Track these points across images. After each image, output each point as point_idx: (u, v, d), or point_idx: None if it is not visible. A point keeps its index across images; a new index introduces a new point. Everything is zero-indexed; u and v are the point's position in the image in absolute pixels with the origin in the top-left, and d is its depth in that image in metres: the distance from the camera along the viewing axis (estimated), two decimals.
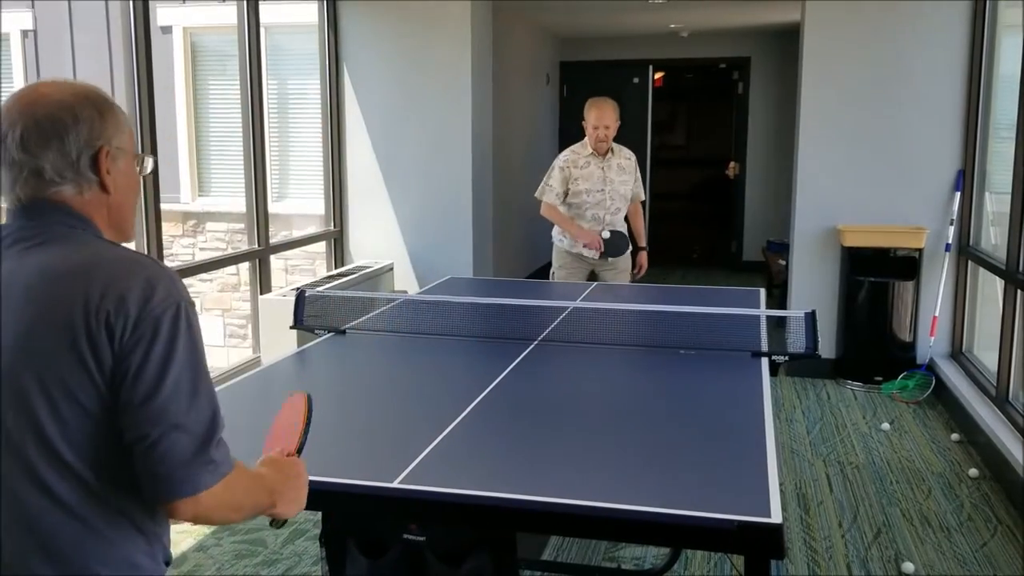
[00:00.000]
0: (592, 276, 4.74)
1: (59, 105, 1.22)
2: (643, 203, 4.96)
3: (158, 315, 1.16)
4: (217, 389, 2.65)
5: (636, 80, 9.35)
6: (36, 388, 1.14)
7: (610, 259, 4.63)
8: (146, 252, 3.95)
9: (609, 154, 4.63)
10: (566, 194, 4.60)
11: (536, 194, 4.70)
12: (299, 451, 1.49)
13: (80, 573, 1.17)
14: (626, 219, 4.80)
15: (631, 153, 4.77)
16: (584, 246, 4.58)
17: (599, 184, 4.59)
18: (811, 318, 2.88)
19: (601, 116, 4.53)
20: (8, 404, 1.14)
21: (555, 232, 4.77)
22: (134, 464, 1.17)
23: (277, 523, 1.45)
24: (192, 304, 1.22)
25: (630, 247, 4.76)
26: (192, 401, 1.19)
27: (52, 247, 1.20)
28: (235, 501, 1.26)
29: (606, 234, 4.58)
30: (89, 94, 1.26)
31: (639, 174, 4.82)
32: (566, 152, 4.68)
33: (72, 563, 1.17)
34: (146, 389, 1.15)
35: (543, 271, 4.83)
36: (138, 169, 1.33)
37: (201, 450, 1.19)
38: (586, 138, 4.61)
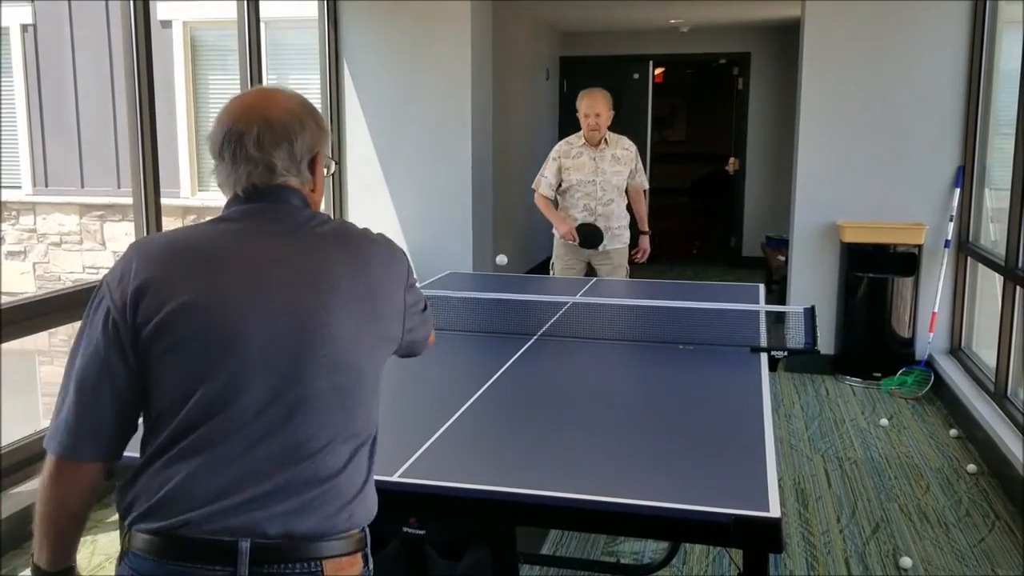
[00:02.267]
0: (589, 268, 4.77)
1: (289, 113, 1.40)
2: (645, 192, 4.99)
3: (413, 281, 1.54)
4: None
5: (636, 75, 9.35)
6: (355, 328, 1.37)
7: (587, 251, 4.66)
8: None
9: (604, 144, 4.65)
10: (559, 185, 4.65)
11: (533, 185, 4.75)
12: None
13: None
14: (629, 208, 4.83)
15: (631, 144, 4.78)
16: (562, 237, 4.66)
17: (590, 175, 4.62)
18: (810, 314, 2.89)
19: (592, 104, 4.57)
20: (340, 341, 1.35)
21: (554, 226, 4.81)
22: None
23: None
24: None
25: (624, 239, 4.77)
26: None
27: (329, 224, 1.45)
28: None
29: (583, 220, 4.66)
30: (310, 107, 1.46)
31: (640, 164, 4.84)
32: (561, 143, 4.74)
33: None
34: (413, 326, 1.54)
35: (543, 266, 4.85)
36: (325, 172, 1.51)
37: (430, 323, 1.68)
38: (581, 130, 4.65)
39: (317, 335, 1.30)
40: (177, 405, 1.29)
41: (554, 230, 4.80)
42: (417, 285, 1.55)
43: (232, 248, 1.34)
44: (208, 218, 1.43)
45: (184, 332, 1.28)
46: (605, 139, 4.65)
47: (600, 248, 4.68)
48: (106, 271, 1.37)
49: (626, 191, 4.81)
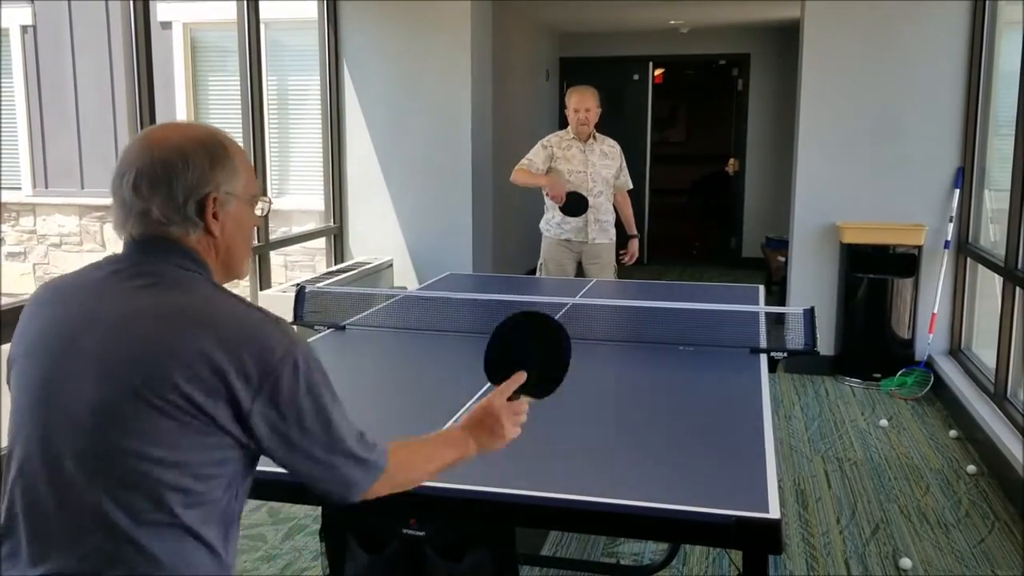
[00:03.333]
0: (579, 269, 4.78)
1: (174, 150, 1.26)
2: (632, 193, 5.01)
3: (279, 373, 1.22)
4: None
5: (636, 76, 9.35)
6: (132, 417, 1.18)
7: (568, 215, 4.58)
8: None
9: (592, 140, 4.70)
10: (548, 172, 4.63)
11: (515, 168, 4.67)
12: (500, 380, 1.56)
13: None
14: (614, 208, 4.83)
15: (615, 143, 4.83)
16: (547, 195, 4.59)
17: (580, 166, 4.66)
18: (810, 315, 2.89)
19: (582, 100, 4.62)
20: (100, 434, 1.19)
21: (542, 222, 4.83)
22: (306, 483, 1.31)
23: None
24: (307, 348, 1.27)
25: (610, 235, 4.76)
26: (328, 435, 1.28)
27: (171, 290, 1.25)
28: (411, 474, 1.45)
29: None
30: (204, 139, 1.29)
31: (625, 164, 4.87)
32: (551, 135, 4.76)
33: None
34: (286, 438, 1.25)
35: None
36: (257, 211, 1.38)
37: (350, 465, 1.31)
38: (569, 126, 4.68)
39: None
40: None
41: (545, 227, 4.78)
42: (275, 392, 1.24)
43: (75, 300, 1.28)
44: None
45: (14, 378, 1.30)
46: (593, 135, 4.70)
47: (589, 239, 4.67)
48: None
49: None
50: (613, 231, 4.82)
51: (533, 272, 5.07)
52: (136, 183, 1.24)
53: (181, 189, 1.25)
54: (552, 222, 4.76)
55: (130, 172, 1.25)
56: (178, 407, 1.17)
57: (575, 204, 4.57)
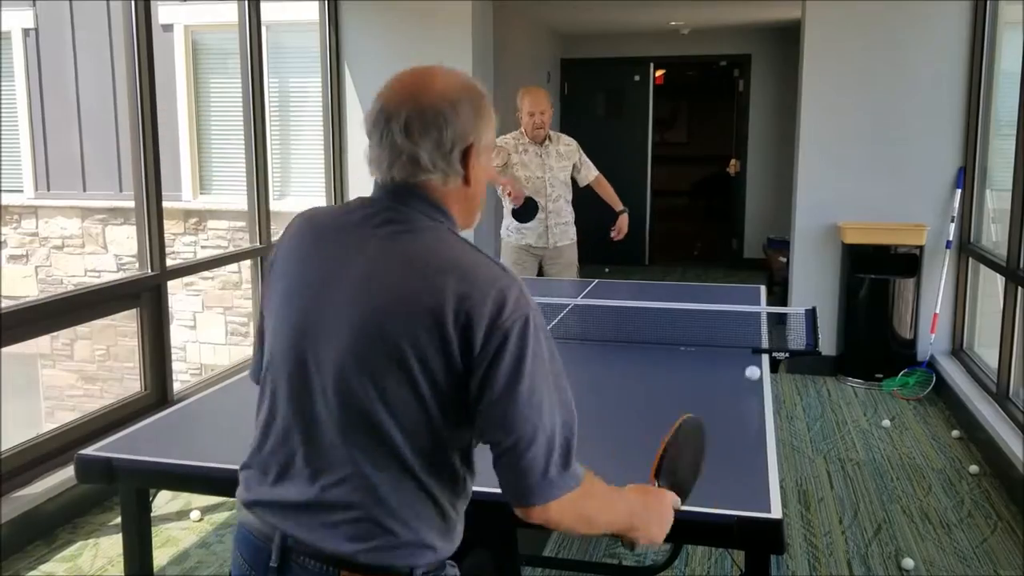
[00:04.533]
0: (540, 270, 4.75)
1: (442, 97, 1.27)
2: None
3: (508, 327, 1.21)
4: (218, 387, 2.65)
5: (637, 77, 9.35)
6: (383, 365, 1.23)
7: (519, 220, 4.50)
8: (147, 251, 3.96)
9: (547, 142, 4.64)
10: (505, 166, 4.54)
11: None
12: (659, 474, 1.48)
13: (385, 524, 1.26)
14: (573, 204, 4.81)
15: (571, 140, 4.79)
16: (507, 194, 4.42)
17: (539, 171, 4.60)
18: (812, 315, 2.89)
19: (536, 102, 4.55)
20: (352, 372, 1.24)
21: (503, 228, 4.78)
22: (494, 464, 1.26)
23: (627, 545, 1.43)
24: (539, 314, 1.27)
25: (571, 236, 4.73)
26: (540, 413, 1.23)
27: (419, 236, 1.28)
28: (585, 515, 1.32)
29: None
30: (470, 89, 1.31)
31: (584, 155, 4.82)
32: (506, 136, 4.62)
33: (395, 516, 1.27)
34: (495, 398, 1.22)
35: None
36: (494, 162, 1.40)
37: (549, 462, 1.24)
38: (520, 128, 4.60)
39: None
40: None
41: (505, 233, 4.74)
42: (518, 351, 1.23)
43: (334, 238, 1.34)
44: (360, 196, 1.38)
45: (273, 306, 1.37)
46: (548, 136, 4.65)
47: (550, 244, 4.66)
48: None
49: (588, 186, 4.83)
50: (574, 230, 4.79)
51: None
52: (408, 127, 1.26)
53: (449, 137, 1.26)
54: (511, 228, 4.71)
55: (398, 116, 1.26)
56: (416, 359, 1.21)
57: (527, 210, 4.50)
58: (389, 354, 1.22)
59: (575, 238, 4.81)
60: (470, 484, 1.38)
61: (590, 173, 4.85)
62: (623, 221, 4.88)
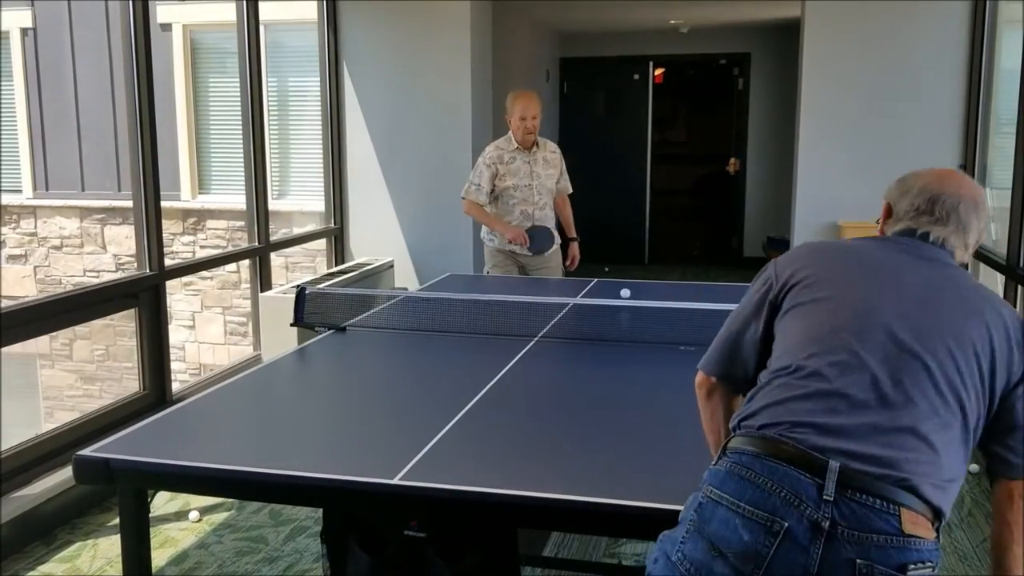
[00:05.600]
0: (523, 274, 4.66)
1: (977, 202, 1.74)
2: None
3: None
4: (217, 387, 2.65)
5: (636, 76, 9.36)
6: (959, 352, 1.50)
7: (537, 253, 4.52)
8: (146, 251, 3.96)
9: (535, 148, 4.55)
10: (492, 190, 4.51)
11: (462, 193, 4.56)
12: None
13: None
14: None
15: (556, 147, 4.70)
16: (510, 241, 4.47)
17: (526, 179, 4.52)
18: None
19: (528, 107, 4.45)
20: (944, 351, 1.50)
21: (484, 232, 4.69)
22: (990, 439, 1.52)
23: None
24: None
25: (556, 239, 4.67)
26: None
27: (954, 269, 1.67)
28: None
29: (528, 225, 4.52)
30: (981, 197, 1.77)
31: (565, 168, 4.74)
32: (491, 148, 4.56)
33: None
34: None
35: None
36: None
37: None
38: (509, 133, 4.53)
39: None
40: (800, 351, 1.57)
41: (488, 238, 4.65)
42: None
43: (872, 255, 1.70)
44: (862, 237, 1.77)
45: (817, 296, 1.62)
46: (536, 142, 4.55)
47: (547, 252, 4.61)
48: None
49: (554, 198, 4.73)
50: (556, 235, 4.69)
51: None
52: (964, 209, 1.72)
53: (975, 227, 1.71)
54: (495, 233, 4.59)
55: (963, 200, 1.74)
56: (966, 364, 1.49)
57: (542, 238, 4.48)
58: (942, 354, 1.53)
59: (558, 242, 4.71)
60: None
61: (567, 186, 4.76)
62: (575, 249, 4.81)
